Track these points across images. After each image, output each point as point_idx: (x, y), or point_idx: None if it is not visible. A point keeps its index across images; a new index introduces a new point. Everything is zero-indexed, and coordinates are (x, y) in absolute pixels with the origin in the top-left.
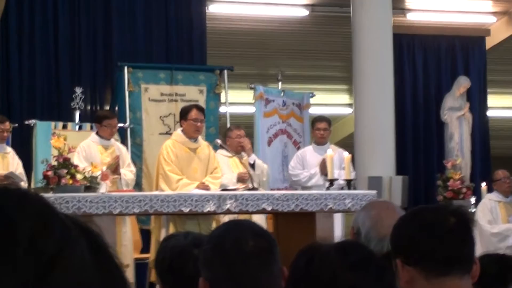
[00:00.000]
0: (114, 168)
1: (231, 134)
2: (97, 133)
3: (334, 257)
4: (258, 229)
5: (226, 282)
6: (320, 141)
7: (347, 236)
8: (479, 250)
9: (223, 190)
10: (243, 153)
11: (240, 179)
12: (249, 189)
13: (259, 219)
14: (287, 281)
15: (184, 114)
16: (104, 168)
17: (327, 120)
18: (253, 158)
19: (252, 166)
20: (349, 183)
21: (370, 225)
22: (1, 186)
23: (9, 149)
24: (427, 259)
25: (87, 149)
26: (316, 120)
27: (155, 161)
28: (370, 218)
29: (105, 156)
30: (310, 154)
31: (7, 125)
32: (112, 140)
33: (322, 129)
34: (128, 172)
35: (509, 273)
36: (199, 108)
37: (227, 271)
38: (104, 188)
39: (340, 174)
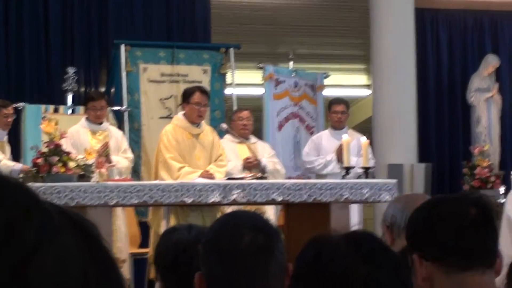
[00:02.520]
0: (105, 156)
1: (233, 117)
2: (87, 118)
3: (346, 248)
4: (258, 222)
5: (220, 280)
6: (337, 125)
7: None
8: (508, 245)
9: (229, 179)
10: (252, 137)
11: (247, 166)
12: (258, 178)
13: (270, 210)
14: (292, 276)
15: (186, 96)
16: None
17: (345, 102)
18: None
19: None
20: (367, 171)
21: (400, 219)
22: None
23: (6, 137)
24: (446, 254)
25: (76, 134)
26: (333, 102)
27: (155, 147)
28: (402, 212)
29: (94, 142)
30: (326, 140)
31: (11, 109)
32: (105, 124)
33: (339, 112)
34: (122, 159)
35: None
36: (203, 91)
37: (220, 269)
38: (96, 177)
39: (358, 161)
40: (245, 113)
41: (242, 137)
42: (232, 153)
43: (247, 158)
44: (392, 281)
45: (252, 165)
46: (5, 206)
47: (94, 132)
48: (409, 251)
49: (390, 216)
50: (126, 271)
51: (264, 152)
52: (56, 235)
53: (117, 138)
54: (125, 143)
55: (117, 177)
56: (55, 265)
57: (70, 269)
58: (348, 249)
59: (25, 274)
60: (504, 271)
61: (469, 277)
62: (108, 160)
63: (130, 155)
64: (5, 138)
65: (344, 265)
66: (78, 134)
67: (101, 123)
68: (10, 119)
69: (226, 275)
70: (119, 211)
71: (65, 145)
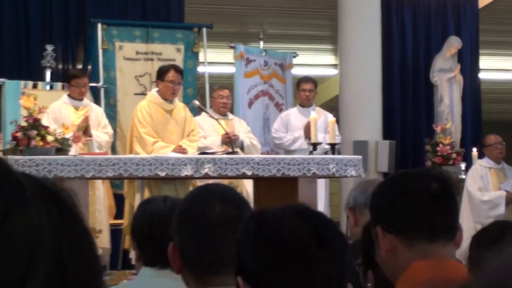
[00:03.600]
0: (84, 130)
1: (214, 94)
2: (69, 95)
3: (291, 222)
4: (229, 195)
5: (190, 249)
6: (305, 103)
7: (331, 203)
8: (469, 219)
9: (201, 153)
10: (229, 114)
11: (225, 142)
12: (229, 153)
13: (248, 184)
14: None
15: (161, 74)
16: (74, 130)
17: (313, 81)
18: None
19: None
20: (334, 148)
21: (362, 201)
22: None
23: None
24: (409, 227)
25: (57, 110)
26: (302, 80)
27: (130, 123)
28: (363, 193)
29: (76, 118)
30: (294, 117)
31: None
32: (86, 100)
33: (307, 90)
34: (102, 134)
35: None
36: (177, 70)
37: (191, 238)
38: (74, 150)
39: (325, 138)
40: (226, 92)
41: (220, 114)
42: (210, 127)
43: (225, 134)
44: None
45: (231, 140)
46: None
47: (76, 108)
48: (373, 224)
49: (352, 198)
50: (105, 240)
51: (241, 128)
52: (26, 205)
53: (97, 113)
54: (104, 119)
55: (97, 151)
56: (24, 234)
57: (40, 237)
58: (293, 222)
59: None
60: (466, 243)
61: (430, 249)
62: (88, 133)
63: (110, 130)
64: None
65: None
66: (60, 109)
67: (82, 99)
68: None
69: (196, 244)
70: (99, 183)
71: (47, 120)
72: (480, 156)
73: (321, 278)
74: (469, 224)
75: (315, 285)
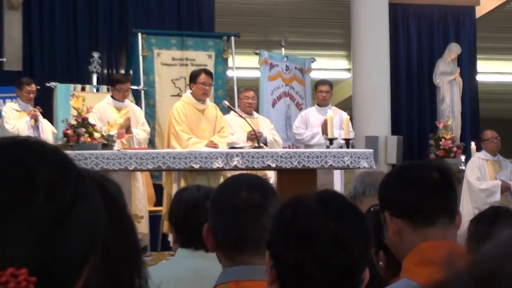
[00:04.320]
0: (126, 128)
1: (240, 95)
2: (112, 96)
3: (317, 207)
4: (256, 183)
5: (219, 230)
6: (322, 103)
7: (346, 193)
8: (468, 205)
9: (230, 148)
10: (254, 113)
11: (250, 138)
12: (255, 147)
13: (272, 175)
14: (271, 232)
15: (193, 77)
16: (118, 127)
17: (329, 83)
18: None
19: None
20: (348, 142)
21: (361, 190)
22: (21, 138)
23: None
24: (413, 212)
25: (102, 110)
26: (319, 83)
27: (167, 121)
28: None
29: (118, 117)
30: (312, 115)
31: (33, 87)
32: (127, 101)
33: (324, 92)
34: (141, 131)
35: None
36: (208, 72)
37: (220, 220)
38: (118, 146)
39: (340, 133)
40: (251, 93)
41: (247, 113)
42: (237, 125)
43: (251, 130)
44: (356, 233)
45: (256, 136)
46: (47, 168)
47: (118, 109)
48: (381, 209)
49: (352, 188)
50: (144, 226)
51: (265, 125)
52: (87, 193)
53: (136, 113)
54: (142, 118)
55: (136, 146)
56: (88, 218)
57: (99, 222)
58: (318, 208)
59: (64, 224)
60: (465, 226)
61: (432, 231)
62: (129, 132)
63: (147, 127)
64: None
65: (315, 222)
66: (104, 109)
67: (123, 101)
68: (32, 95)
69: (224, 225)
70: (138, 175)
71: (93, 119)
72: (478, 149)
73: (342, 267)
74: (468, 209)
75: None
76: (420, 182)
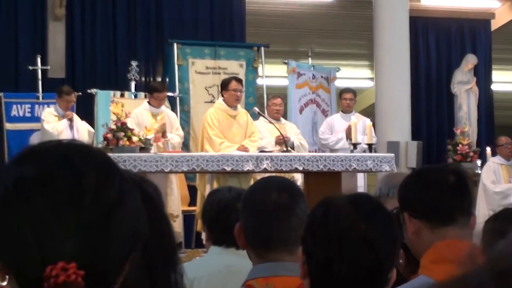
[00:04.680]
0: (162, 132)
1: (269, 102)
2: (148, 102)
3: (348, 208)
4: (285, 185)
5: (249, 228)
6: (346, 110)
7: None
8: (484, 207)
9: (260, 151)
10: (282, 119)
11: (278, 142)
12: (283, 151)
13: (299, 177)
14: (305, 230)
15: (224, 85)
16: (154, 132)
17: (353, 91)
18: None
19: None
20: (371, 147)
21: (385, 191)
22: (67, 141)
23: (75, 116)
24: (431, 213)
25: (139, 115)
26: (344, 91)
27: (201, 126)
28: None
29: (154, 122)
30: (337, 121)
31: (73, 96)
32: (162, 107)
33: (348, 99)
34: (175, 136)
35: None
36: (238, 79)
37: (251, 220)
38: (154, 149)
39: (363, 139)
40: (278, 100)
41: (275, 119)
42: (266, 130)
43: (279, 136)
44: (385, 235)
45: (284, 140)
46: (93, 170)
47: (154, 114)
48: (401, 210)
49: (377, 189)
50: (178, 225)
51: (292, 130)
52: (130, 194)
53: (171, 118)
54: (177, 123)
55: (171, 150)
56: (130, 217)
57: (140, 220)
58: (350, 209)
59: (109, 223)
60: (480, 226)
61: (448, 231)
62: (165, 136)
63: (181, 132)
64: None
65: (346, 222)
66: (141, 115)
67: (159, 108)
68: (70, 104)
69: (254, 225)
70: (173, 177)
71: (130, 123)
72: (493, 154)
73: (369, 266)
74: (483, 211)
75: (361, 272)
76: (437, 185)
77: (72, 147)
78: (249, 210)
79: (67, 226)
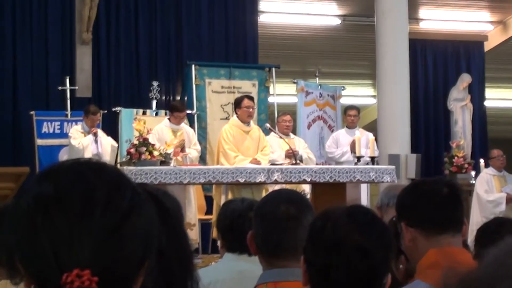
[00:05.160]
0: (181, 147)
1: (278, 119)
2: (169, 119)
3: (345, 220)
4: (294, 198)
5: (260, 237)
6: (351, 125)
7: (371, 204)
8: (477, 215)
9: (272, 164)
10: (291, 134)
11: (288, 155)
12: (292, 164)
13: (307, 188)
14: (306, 240)
15: (238, 103)
16: (174, 147)
17: (357, 108)
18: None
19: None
20: (373, 160)
21: (386, 201)
22: (84, 159)
23: (100, 132)
24: (426, 222)
25: (160, 132)
26: (348, 108)
27: (217, 141)
28: (386, 196)
29: (173, 138)
30: (342, 136)
31: (98, 116)
32: (182, 124)
33: (352, 116)
34: (193, 150)
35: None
36: (250, 97)
37: (261, 228)
38: (174, 163)
39: (366, 152)
40: (288, 117)
41: (284, 134)
42: (276, 145)
43: (289, 150)
44: (379, 244)
45: (293, 154)
46: (105, 185)
47: (174, 131)
48: (398, 220)
49: (379, 200)
50: (195, 233)
51: (300, 145)
52: (142, 206)
53: (189, 134)
54: (195, 138)
55: (189, 163)
56: (142, 227)
57: (153, 230)
58: (346, 221)
59: (120, 232)
60: (473, 235)
61: (442, 239)
62: (183, 150)
63: (198, 147)
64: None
65: (342, 232)
66: (162, 131)
67: (179, 125)
68: (96, 123)
69: (264, 233)
70: (190, 188)
71: (152, 139)
72: (486, 166)
73: (364, 273)
74: (477, 219)
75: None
76: (431, 196)
77: (88, 165)
78: (260, 219)
79: (80, 237)
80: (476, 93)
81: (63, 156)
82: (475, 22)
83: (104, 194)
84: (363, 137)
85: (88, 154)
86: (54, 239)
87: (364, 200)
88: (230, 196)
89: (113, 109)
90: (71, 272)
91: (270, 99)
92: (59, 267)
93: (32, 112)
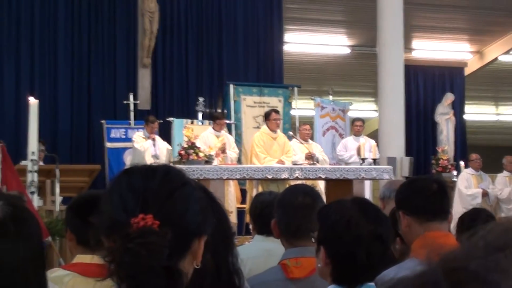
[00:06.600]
0: (222, 150)
1: (300, 128)
2: (213, 127)
3: (360, 216)
4: (309, 190)
5: (282, 222)
6: (357, 134)
7: (373, 195)
8: (458, 206)
9: (294, 164)
10: (309, 140)
11: (307, 158)
12: (311, 164)
13: (321, 184)
14: (327, 233)
15: (267, 116)
16: (216, 149)
17: (362, 120)
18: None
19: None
20: (375, 161)
21: (388, 194)
22: (162, 165)
23: (157, 137)
24: (419, 211)
25: (206, 137)
26: (355, 119)
27: (250, 145)
28: (388, 189)
29: (216, 142)
30: (350, 142)
31: (156, 124)
32: (223, 131)
33: (358, 126)
34: (232, 152)
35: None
36: (276, 111)
37: (282, 217)
38: (215, 162)
39: (369, 155)
40: (307, 127)
41: (304, 141)
42: (298, 149)
43: (308, 153)
44: (386, 229)
45: (312, 156)
46: (172, 182)
47: (216, 136)
48: (397, 209)
49: (382, 192)
50: (234, 217)
51: (317, 149)
52: (194, 186)
53: (229, 139)
54: (233, 143)
55: (229, 163)
56: (195, 199)
57: (206, 207)
58: (360, 216)
59: (176, 195)
60: (454, 222)
61: (432, 225)
62: (224, 152)
63: (236, 150)
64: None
65: (361, 226)
66: (207, 137)
67: (220, 131)
68: (154, 130)
69: (286, 220)
70: (231, 182)
71: (198, 143)
72: (466, 166)
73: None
74: (458, 209)
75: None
76: (423, 190)
77: (158, 165)
78: (281, 208)
79: (145, 193)
80: (458, 109)
81: (127, 156)
82: (457, 52)
83: (163, 172)
84: (367, 143)
85: (148, 155)
86: (122, 195)
87: (367, 193)
88: (260, 189)
89: (167, 119)
90: (137, 216)
91: (293, 112)
92: (125, 211)
93: (103, 121)
